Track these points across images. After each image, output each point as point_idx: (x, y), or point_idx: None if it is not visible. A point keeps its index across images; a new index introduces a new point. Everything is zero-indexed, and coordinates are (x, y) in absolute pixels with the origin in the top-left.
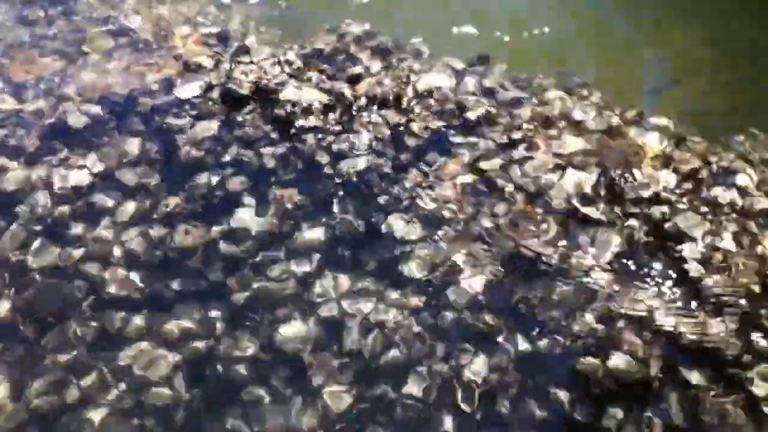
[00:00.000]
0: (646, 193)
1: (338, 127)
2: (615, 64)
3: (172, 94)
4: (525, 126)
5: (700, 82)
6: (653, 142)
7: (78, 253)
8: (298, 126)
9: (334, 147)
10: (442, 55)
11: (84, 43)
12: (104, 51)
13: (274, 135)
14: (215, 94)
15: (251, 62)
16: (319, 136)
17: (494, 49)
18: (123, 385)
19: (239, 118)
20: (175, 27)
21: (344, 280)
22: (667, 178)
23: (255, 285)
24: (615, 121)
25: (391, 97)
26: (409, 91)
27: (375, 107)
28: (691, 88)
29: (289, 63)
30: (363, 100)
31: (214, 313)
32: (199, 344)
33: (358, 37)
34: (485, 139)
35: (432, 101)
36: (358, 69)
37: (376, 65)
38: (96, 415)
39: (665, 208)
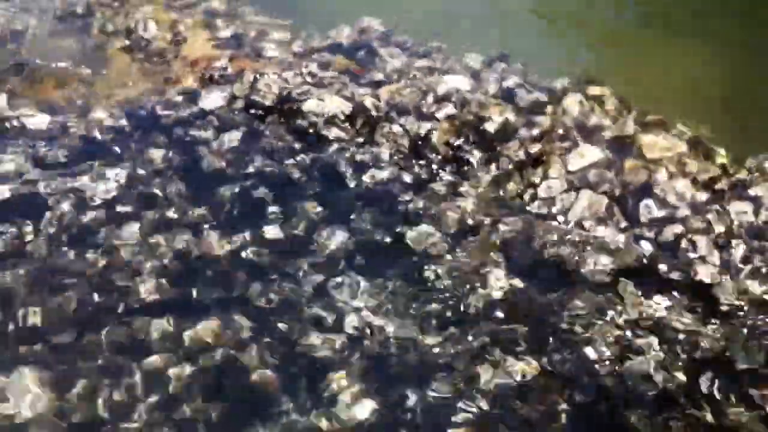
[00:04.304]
0: (660, 213)
1: (360, 138)
2: (635, 70)
3: (195, 106)
4: (542, 139)
5: (725, 94)
6: (671, 152)
7: (103, 261)
8: (320, 136)
9: (357, 158)
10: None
11: (106, 59)
12: (124, 65)
13: (297, 145)
14: (239, 104)
15: (274, 74)
16: (341, 146)
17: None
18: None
19: (263, 129)
20: (190, 32)
21: (365, 291)
22: (684, 190)
23: (278, 294)
24: (633, 128)
25: (411, 106)
26: (430, 98)
27: (396, 116)
28: (715, 101)
29: (312, 74)
30: (384, 108)
31: (237, 321)
32: (221, 352)
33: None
34: (502, 154)
35: (451, 106)
36: (379, 74)
37: (396, 62)
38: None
39: (679, 228)
